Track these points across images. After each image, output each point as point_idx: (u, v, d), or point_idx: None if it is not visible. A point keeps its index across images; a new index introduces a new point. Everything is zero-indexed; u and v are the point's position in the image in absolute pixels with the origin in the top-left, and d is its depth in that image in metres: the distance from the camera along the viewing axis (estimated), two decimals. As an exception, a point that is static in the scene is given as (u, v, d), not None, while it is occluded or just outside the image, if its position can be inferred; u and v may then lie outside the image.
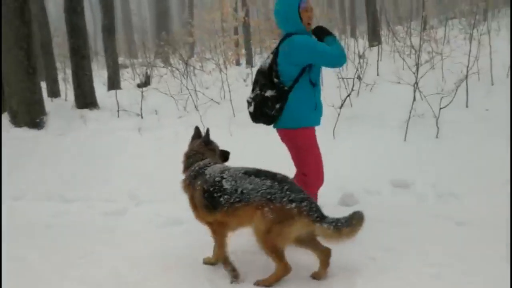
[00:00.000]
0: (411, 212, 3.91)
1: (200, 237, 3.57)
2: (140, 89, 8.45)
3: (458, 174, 4.34)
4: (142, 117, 7.68)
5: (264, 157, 5.28)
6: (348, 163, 4.85)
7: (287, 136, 3.57)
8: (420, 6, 14.01)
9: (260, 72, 3.55)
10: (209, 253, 3.29)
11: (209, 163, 3.26)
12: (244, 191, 2.92)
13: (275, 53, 3.49)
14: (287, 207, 2.78)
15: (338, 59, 3.34)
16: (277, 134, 3.66)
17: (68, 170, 5.66)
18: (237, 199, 2.93)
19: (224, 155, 3.54)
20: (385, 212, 3.95)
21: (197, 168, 3.23)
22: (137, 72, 12.11)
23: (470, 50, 6.15)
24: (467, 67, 5.92)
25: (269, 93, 3.42)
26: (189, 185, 3.23)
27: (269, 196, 2.83)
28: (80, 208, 4.76)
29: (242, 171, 3.04)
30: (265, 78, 3.46)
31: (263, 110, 3.46)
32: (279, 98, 3.41)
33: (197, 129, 3.64)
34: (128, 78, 11.31)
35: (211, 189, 3.05)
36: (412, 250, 3.28)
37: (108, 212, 4.57)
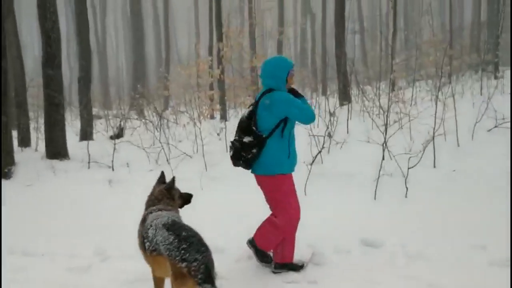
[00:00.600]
0: (381, 272, 3.86)
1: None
2: (113, 141, 8.38)
3: (427, 235, 4.35)
4: (113, 170, 7.57)
5: (233, 210, 5.25)
6: (319, 221, 4.82)
7: (262, 182, 3.91)
8: (389, 68, 14.56)
9: (241, 120, 3.92)
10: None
11: (157, 209, 3.41)
12: (157, 241, 3.03)
13: (255, 104, 3.87)
14: (178, 266, 2.79)
15: (310, 116, 3.78)
16: (254, 179, 3.98)
17: (33, 223, 5.46)
18: (152, 248, 3.10)
19: (185, 198, 3.75)
20: (355, 272, 3.89)
21: (146, 213, 3.48)
22: (110, 123, 12.05)
23: (436, 112, 6.35)
24: (434, 128, 6.09)
25: (246, 139, 3.79)
26: (139, 227, 3.46)
27: (167, 252, 2.88)
28: (43, 263, 4.54)
29: (162, 222, 3.13)
30: (245, 126, 3.85)
31: (241, 154, 3.81)
32: (256, 144, 3.77)
33: (162, 174, 3.84)
34: (101, 130, 11.24)
35: (144, 234, 3.27)
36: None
37: (72, 268, 4.36)
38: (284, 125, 3.79)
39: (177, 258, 2.80)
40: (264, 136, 3.77)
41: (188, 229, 3.06)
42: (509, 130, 6.98)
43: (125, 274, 4.13)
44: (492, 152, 6.23)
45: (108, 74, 29.11)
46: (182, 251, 2.82)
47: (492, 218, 4.56)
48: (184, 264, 2.77)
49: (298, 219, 3.93)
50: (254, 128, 3.80)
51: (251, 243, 4.07)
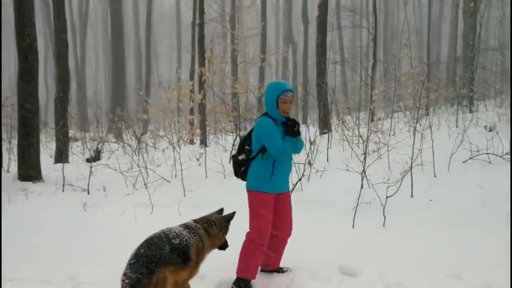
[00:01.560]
0: (359, 301, 3.88)
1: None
2: (89, 163, 8.29)
3: (405, 264, 4.39)
4: (88, 193, 7.47)
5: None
6: (297, 248, 4.83)
7: (248, 195, 4.16)
8: (368, 98, 14.85)
9: (240, 139, 4.41)
10: None
11: (185, 226, 3.63)
12: None
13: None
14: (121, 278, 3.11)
15: (279, 154, 3.94)
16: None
17: (2, 247, 5.32)
18: None
19: (224, 242, 3.95)
20: (333, 301, 3.91)
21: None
22: (87, 146, 11.93)
23: (414, 143, 6.50)
24: (411, 158, 6.22)
25: (241, 157, 4.21)
26: None
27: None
28: (13, 289, 4.42)
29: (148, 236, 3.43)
30: (241, 145, 4.28)
31: (236, 169, 4.25)
32: (245, 163, 4.18)
33: (221, 210, 4.10)
34: (77, 152, 11.10)
35: None
36: None
37: (42, 294, 4.26)
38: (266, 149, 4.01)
39: (124, 270, 3.13)
40: (251, 156, 4.13)
41: (149, 245, 3.26)
42: (484, 161, 7.18)
43: (99, 300, 4.06)
44: (467, 183, 6.37)
45: (86, 96, 28.93)
46: (127, 265, 3.14)
47: (468, 247, 4.65)
48: (121, 277, 3.09)
49: (257, 242, 4.04)
50: (247, 147, 4.19)
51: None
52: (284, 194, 4.24)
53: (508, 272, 4.12)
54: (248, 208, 4.16)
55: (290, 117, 4.17)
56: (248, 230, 4.13)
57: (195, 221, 3.73)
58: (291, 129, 4.05)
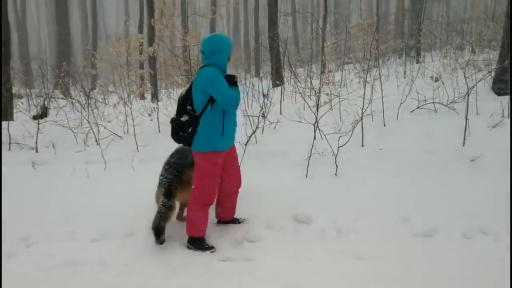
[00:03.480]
0: (313, 247, 3.99)
1: (99, 276, 3.33)
2: (36, 121, 7.94)
3: (356, 210, 4.53)
4: (37, 151, 7.20)
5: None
6: (252, 199, 4.87)
7: (195, 157, 4.00)
8: (320, 51, 14.85)
9: (179, 99, 4.01)
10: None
11: None
12: None
13: (191, 82, 3.94)
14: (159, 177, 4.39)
15: (230, 102, 3.80)
16: None
17: None
18: None
19: None
20: (289, 249, 4.00)
21: None
22: (33, 103, 11.39)
23: (364, 93, 6.57)
24: (362, 109, 6.31)
25: (184, 118, 3.92)
26: None
27: None
28: (-39, 250, 4.25)
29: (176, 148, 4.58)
30: (181, 105, 3.95)
31: (178, 133, 3.96)
32: (191, 123, 3.89)
33: None
34: (22, 110, 10.57)
35: None
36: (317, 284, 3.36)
37: (-6, 255, 4.12)
38: (214, 100, 3.80)
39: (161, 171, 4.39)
40: (197, 114, 3.87)
41: (181, 157, 4.39)
42: (431, 110, 7.40)
43: (51, 259, 3.99)
44: (415, 131, 6.56)
45: (29, 51, 27.46)
46: (163, 169, 4.40)
47: (416, 192, 4.84)
48: (160, 176, 4.37)
49: (204, 201, 4.04)
50: (189, 107, 3.90)
51: None
52: (232, 147, 4.18)
53: (453, 213, 4.33)
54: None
55: None
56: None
57: None
58: (232, 79, 3.89)
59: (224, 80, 3.78)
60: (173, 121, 4.00)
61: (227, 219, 4.49)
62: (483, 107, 7.05)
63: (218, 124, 3.87)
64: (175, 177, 4.25)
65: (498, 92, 7.78)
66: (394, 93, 8.44)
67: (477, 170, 5.24)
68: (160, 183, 4.32)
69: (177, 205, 4.40)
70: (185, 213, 4.47)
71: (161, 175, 4.35)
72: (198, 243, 4.11)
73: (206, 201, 4.06)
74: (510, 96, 6.89)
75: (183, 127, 3.93)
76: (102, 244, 4.29)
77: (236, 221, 4.51)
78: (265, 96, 7.80)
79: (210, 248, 4.10)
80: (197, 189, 4.04)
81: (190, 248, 4.11)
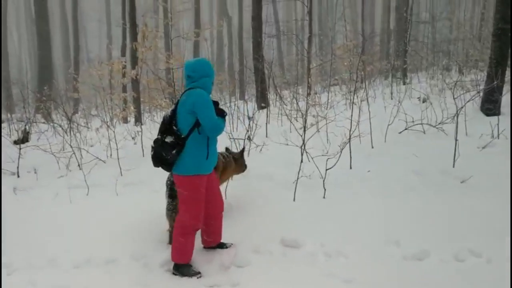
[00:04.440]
0: (302, 272, 3.99)
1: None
2: (17, 145, 7.91)
3: (345, 233, 4.55)
4: (18, 176, 7.16)
5: (148, 217, 5.18)
6: (239, 223, 4.89)
7: (178, 181, 4.02)
8: (305, 72, 15.03)
9: (163, 120, 4.03)
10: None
11: None
12: None
13: (176, 103, 3.98)
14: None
15: (215, 128, 3.86)
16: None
17: None
18: None
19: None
20: (277, 273, 4.00)
21: None
22: (14, 127, 11.31)
23: (352, 115, 6.67)
24: (350, 130, 6.38)
25: (168, 139, 3.90)
26: None
27: None
28: None
29: None
30: (166, 126, 3.95)
31: (162, 154, 3.91)
32: (176, 144, 3.88)
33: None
34: (3, 134, 10.49)
35: None
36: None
37: (-27, 284, 4.06)
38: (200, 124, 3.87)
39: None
40: (183, 136, 3.90)
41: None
42: (419, 132, 7.51)
43: (33, 287, 3.93)
44: (403, 153, 6.64)
45: (10, 75, 27.31)
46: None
47: (405, 214, 4.88)
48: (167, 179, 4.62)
49: (191, 227, 4.05)
50: (175, 128, 3.93)
51: None
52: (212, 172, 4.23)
53: (444, 236, 4.38)
54: (178, 195, 4.13)
55: None
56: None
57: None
58: (222, 112, 4.02)
59: (212, 105, 3.88)
60: (157, 142, 3.97)
61: (213, 244, 4.49)
62: (472, 127, 7.17)
63: (203, 147, 3.94)
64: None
65: (487, 112, 7.92)
66: (381, 114, 8.57)
67: (467, 192, 5.29)
68: (165, 184, 4.64)
69: None
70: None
71: (168, 179, 4.60)
72: (184, 269, 4.10)
73: (193, 226, 4.06)
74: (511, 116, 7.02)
75: (167, 149, 3.89)
76: (85, 271, 4.27)
77: (223, 245, 4.50)
78: (250, 118, 7.87)
79: (197, 273, 4.09)
80: (182, 214, 4.05)
81: (175, 274, 4.09)
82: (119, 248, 4.50)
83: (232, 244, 4.52)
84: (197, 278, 4.04)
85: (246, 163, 5.65)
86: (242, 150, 5.60)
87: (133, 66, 12.24)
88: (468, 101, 7.20)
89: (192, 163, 3.92)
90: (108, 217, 5.29)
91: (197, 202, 4.03)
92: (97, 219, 5.30)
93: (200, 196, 4.03)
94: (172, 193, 4.47)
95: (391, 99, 10.94)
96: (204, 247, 4.50)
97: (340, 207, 5.21)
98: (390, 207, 5.10)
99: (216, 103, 4.02)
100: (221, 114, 4.01)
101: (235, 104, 10.93)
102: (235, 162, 5.35)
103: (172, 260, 4.12)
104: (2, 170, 7.28)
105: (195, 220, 4.05)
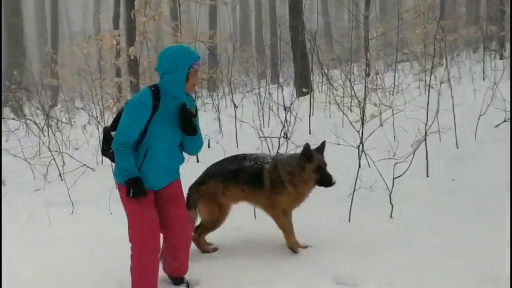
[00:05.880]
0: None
1: None
2: (-20, 149, 8.09)
3: (421, 269, 4.44)
4: (-20, 191, 7.31)
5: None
6: (277, 252, 4.87)
7: (118, 190, 4.21)
8: (362, 45, 14.90)
9: (119, 111, 4.35)
10: None
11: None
12: None
13: None
14: None
15: (113, 145, 4.04)
16: None
17: None
18: None
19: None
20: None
21: None
22: (-25, 126, 11.62)
23: (428, 103, 6.54)
24: (425, 124, 6.26)
25: (114, 133, 4.15)
26: None
27: None
28: None
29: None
30: (117, 117, 4.25)
31: (103, 147, 4.31)
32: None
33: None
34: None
35: None
36: None
37: None
38: (144, 132, 4.00)
39: None
40: None
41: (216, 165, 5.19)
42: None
43: None
44: (501, 154, 6.49)
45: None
46: None
47: (503, 244, 4.72)
48: None
49: (142, 247, 4.16)
50: None
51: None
52: (165, 190, 4.29)
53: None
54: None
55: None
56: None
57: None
58: (188, 124, 4.07)
59: (138, 115, 3.95)
60: (104, 129, 4.30)
61: (171, 274, 4.59)
62: None
63: (138, 156, 4.07)
64: (195, 185, 5.08)
65: None
66: (470, 101, 8.41)
67: None
68: None
69: (197, 216, 5.06)
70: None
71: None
72: None
73: (152, 244, 4.17)
74: None
75: (109, 142, 4.16)
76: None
77: (184, 283, 4.58)
78: (287, 109, 7.83)
79: None
80: (134, 231, 4.18)
81: None
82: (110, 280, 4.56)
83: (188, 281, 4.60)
84: None
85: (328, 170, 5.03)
86: (312, 148, 5.02)
87: (130, 42, 12.33)
88: None
89: (118, 169, 4.09)
90: (99, 243, 5.34)
91: (135, 215, 4.13)
92: (85, 245, 5.34)
93: (136, 209, 4.10)
94: (188, 200, 4.83)
95: (483, 80, 10.75)
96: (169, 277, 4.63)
97: (413, 231, 5.11)
98: (484, 231, 4.95)
99: (188, 114, 4.04)
100: (191, 129, 4.10)
101: (265, 90, 10.90)
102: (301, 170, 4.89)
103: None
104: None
105: (141, 236, 4.14)
